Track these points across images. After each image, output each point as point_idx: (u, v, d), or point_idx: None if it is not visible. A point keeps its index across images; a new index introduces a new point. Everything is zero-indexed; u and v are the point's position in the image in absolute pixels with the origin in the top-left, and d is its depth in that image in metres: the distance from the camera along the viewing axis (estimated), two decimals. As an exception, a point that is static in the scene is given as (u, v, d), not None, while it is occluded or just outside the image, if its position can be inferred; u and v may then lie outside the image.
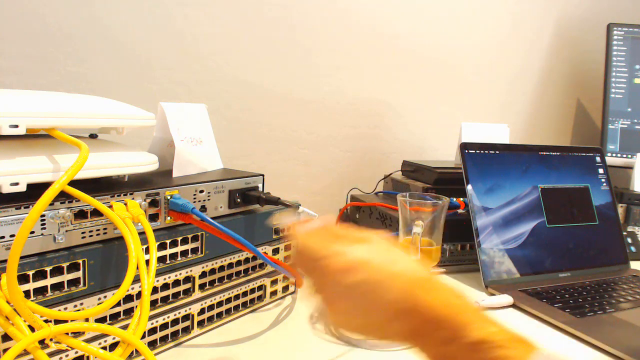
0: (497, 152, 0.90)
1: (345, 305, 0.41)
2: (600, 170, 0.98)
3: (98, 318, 0.49)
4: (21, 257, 0.41)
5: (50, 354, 0.44)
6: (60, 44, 0.89)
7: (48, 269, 0.45)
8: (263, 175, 0.70)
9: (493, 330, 0.36)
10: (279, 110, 1.11)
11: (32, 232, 0.44)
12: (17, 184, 0.44)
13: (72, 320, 0.45)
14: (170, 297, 0.57)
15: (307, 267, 0.43)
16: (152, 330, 0.55)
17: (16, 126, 0.44)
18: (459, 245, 0.90)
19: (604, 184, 0.97)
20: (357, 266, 0.40)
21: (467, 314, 0.37)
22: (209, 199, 0.62)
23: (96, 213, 0.49)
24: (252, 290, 0.68)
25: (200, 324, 0.61)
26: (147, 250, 0.52)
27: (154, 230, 0.53)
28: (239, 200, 0.66)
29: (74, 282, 0.48)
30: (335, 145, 1.19)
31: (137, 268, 0.48)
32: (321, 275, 0.42)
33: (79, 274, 0.48)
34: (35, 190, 0.44)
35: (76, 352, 0.47)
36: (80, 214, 0.48)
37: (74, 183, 0.46)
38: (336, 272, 0.41)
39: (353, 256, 0.41)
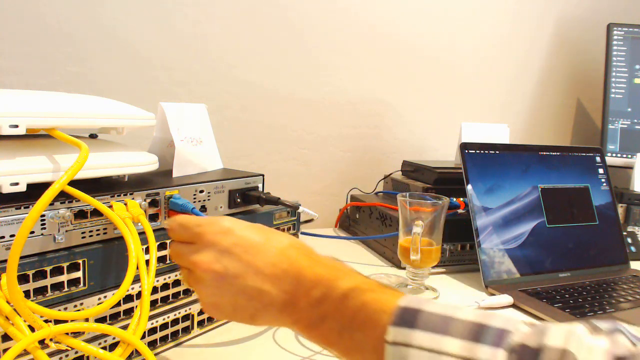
0: (497, 152, 0.90)
1: (218, 276, 0.41)
2: (600, 170, 0.98)
3: (98, 318, 0.49)
4: (21, 257, 0.41)
5: (50, 354, 0.44)
6: (60, 44, 0.89)
7: (48, 269, 0.45)
8: (263, 175, 0.70)
9: (361, 279, 0.39)
10: (279, 110, 1.12)
11: (32, 232, 0.44)
12: (17, 184, 0.44)
13: (72, 321, 0.45)
14: (170, 297, 0.57)
15: (184, 236, 0.45)
16: (152, 330, 0.55)
17: (16, 126, 0.44)
18: (459, 245, 0.90)
19: (604, 184, 0.97)
20: (233, 229, 0.43)
21: (339, 270, 0.40)
22: (209, 199, 0.62)
23: (96, 213, 0.49)
24: (252, 290, 0.68)
25: (200, 324, 0.61)
26: (147, 250, 0.52)
27: (154, 230, 0.53)
28: (239, 200, 0.66)
29: (74, 282, 0.47)
30: (335, 145, 1.19)
31: (137, 268, 0.48)
32: (194, 247, 0.43)
33: (79, 274, 0.48)
34: (35, 190, 0.44)
35: (76, 352, 0.47)
36: (80, 214, 0.48)
37: (74, 183, 0.46)
38: (213, 233, 0.43)
39: (229, 222, 0.44)
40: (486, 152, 0.89)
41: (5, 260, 0.39)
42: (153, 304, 0.55)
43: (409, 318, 0.33)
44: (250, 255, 0.42)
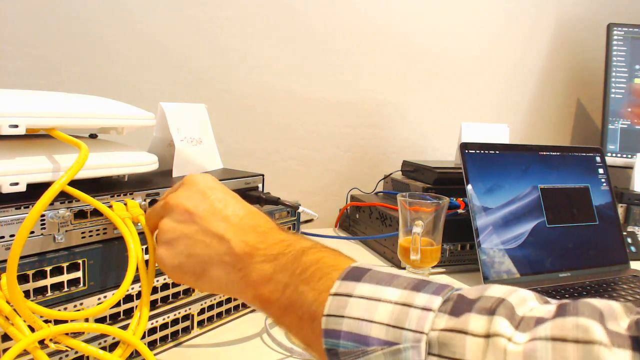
0: (497, 152, 0.90)
1: (185, 211, 0.44)
2: (600, 170, 0.98)
3: (98, 318, 0.49)
4: (21, 257, 0.41)
5: (50, 354, 0.44)
6: (60, 44, 0.89)
7: (48, 269, 0.45)
8: (263, 175, 0.70)
9: (322, 244, 0.41)
10: (279, 110, 1.12)
11: (32, 232, 0.44)
12: (17, 184, 0.44)
13: (71, 321, 0.45)
14: (170, 297, 0.57)
15: (169, 193, 0.48)
16: (152, 330, 0.55)
17: (16, 126, 0.44)
18: (459, 245, 0.90)
19: (604, 184, 0.97)
20: (212, 180, 0.47)
21: (303, 237, 0.42)
22: (209, 199, 0.62)
23: (96, 213, 0.49)
24: (252, 290, 0.68)
25: (200, 324, 0.61)
26: (146, 250, 0.51)
27: (154, 230, 0.53)
28: (239, 200, 0.66)
29: (73, 282, 0.47)
30: (335, 145, 1.19)
31: (137, 268, 0.48)
32: (174, 196, 0.46)
33: (79, 274, 0.48)
34: (35, 190, 0.44)
35: (76, 353, 0.47)
36: (80, 214, 0.48)
37: (73, 183, 0.46)
38: (194, 176, 0.47)
39: (210, 176, 0.48)
40: (486, 152, 0.89)
41: (5, 260, 0.39)
42: (153, 304, 0.55)
43: (357, 274, 0.34)
44: (221, 204, 0.44)
